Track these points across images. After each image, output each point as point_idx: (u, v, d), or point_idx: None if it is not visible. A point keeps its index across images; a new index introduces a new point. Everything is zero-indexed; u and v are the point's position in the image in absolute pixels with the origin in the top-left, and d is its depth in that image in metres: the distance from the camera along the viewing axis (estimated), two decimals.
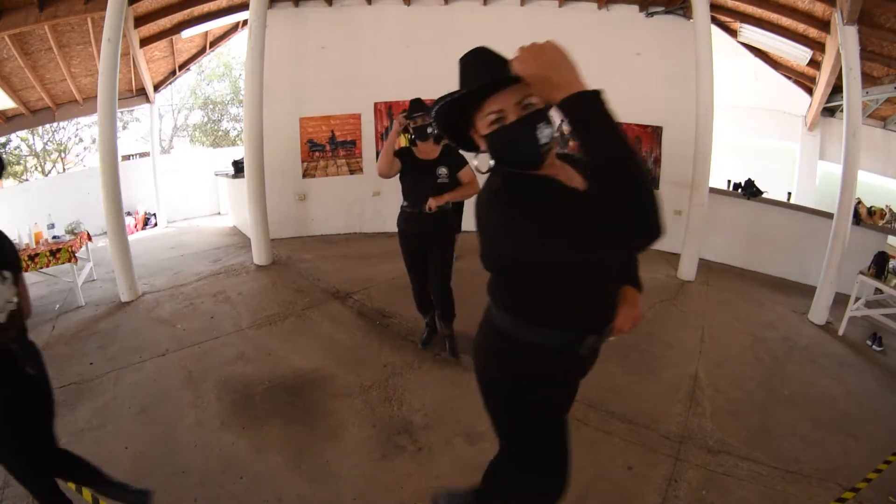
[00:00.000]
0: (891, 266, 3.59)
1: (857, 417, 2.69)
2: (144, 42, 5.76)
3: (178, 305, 3.96)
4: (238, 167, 5.93)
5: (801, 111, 6.54)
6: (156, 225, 7.33)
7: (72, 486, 2.03)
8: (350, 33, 5.51)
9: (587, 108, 0.89)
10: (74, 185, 6.95)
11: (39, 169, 11.78)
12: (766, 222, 4.95)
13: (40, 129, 11.22)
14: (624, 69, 5.24)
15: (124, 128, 12.42)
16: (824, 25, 4.47)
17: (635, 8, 5.14)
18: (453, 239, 3.01)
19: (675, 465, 2.26)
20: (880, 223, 4.41)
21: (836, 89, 5.21)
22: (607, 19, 5.26)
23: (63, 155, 12.08)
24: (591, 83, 0.92)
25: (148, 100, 6.91)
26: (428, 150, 2.83)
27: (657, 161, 5.26)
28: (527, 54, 0.96)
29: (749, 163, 7.53)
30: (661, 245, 5.40)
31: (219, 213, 8.14)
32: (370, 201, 5.77)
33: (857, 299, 3.75)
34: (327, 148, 5.70)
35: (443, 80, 1.37)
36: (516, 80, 0.99)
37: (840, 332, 3.69)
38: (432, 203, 2.72)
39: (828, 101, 5.67)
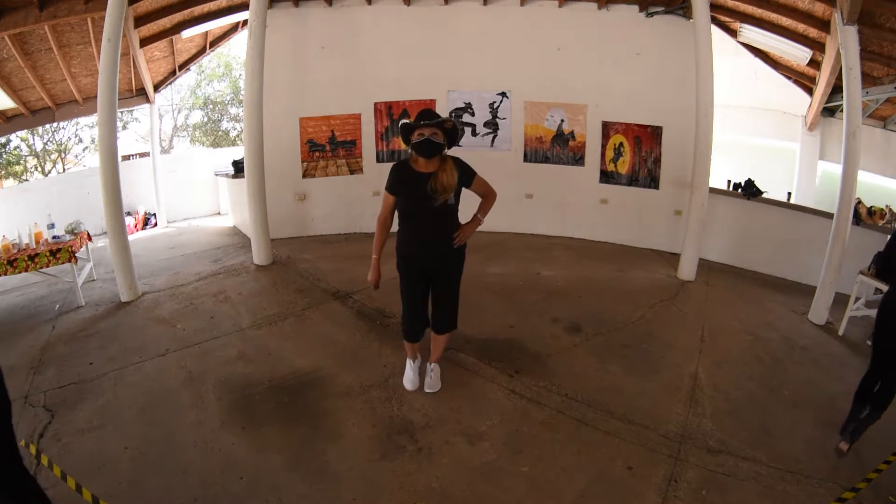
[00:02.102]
0: None
1: None
2: (144, 42, 5.76)
3: (178, 305, 3.96)
4: (238, 167, 5.93)
5: (801, 111, 6.54)
6: (156, 225, 7.33)
7: (71, 484, 2.03)
8: (350, 33, 5.51)
9: None
10: (74, 185, 6.95)
11: (39, 169, 11.77)
12: (767, 222, 4.95)
13: (40, 129, 11.22)
14: (624, 69, 5.24)
15: (124, 128, 12.41)
16: (824, 25, 4.47)
17: (635, 8, 5.14)
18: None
19: (675, 465, 2.26)
20: (880, 223, 4.42)
21: (836, 89, 5.21)
22: (607, 19, 5.25)
23: (63, 155, 12.08)
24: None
25: (148, 100, 6.91)
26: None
27: (657, 161, 5.26)
28: None
29: (749, 163, 7.54)
30: (661, 245, 5.41)
31: (219, 213, 8.14)
32: (370, 201, 5.76)
33: (857, 299, 3.74)
34: (327, 148, 5.69)
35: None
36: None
37: (840, 332, 3.69)
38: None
39: (828, 101, 5.67)
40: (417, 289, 2.55)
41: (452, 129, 2.35)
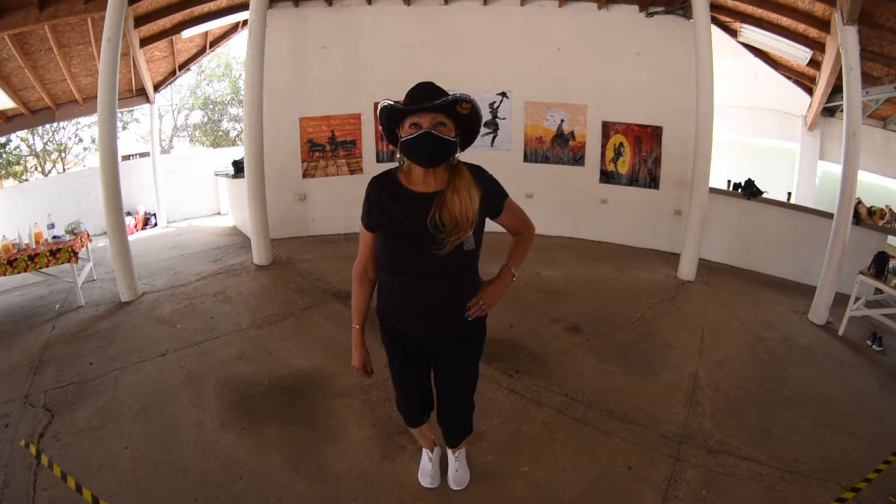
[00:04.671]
0: (891, 266, 3.59)
1: (857, 417, 2.69)
2: (144, 42, 5.76)
3: (178, 305, 3.96)
4: (238, 167, 5.93)
5: (801, 111, 6.55)
6: (156, 225, 7.33)
7: (71, 484, 2.03)
8: (350, 33, 5.51)
9: None
10: (74, 185, 6.95)
11: (39, 169, 11.77)
12: (767, 222, 4.95)
13: (40, 129, 11.22)
14: (624, 69, 5.24)
15: (124, 128, 12.42)
16: (824, 25, 4.47)
17: (635, 8, 5.14)
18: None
19: (675, 465, 2.26)
20: (880, 223, 4.41)
21: (836, 89, 5.21)
22: (607, 19, 5.25)
23: (63, 155, 12.08)
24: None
25: (148, 100, 6.91)
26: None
27: (657, 161, 5.26)
28: None
29: (749, 163, 7.54)
30: (661, 245, 5.41)
31: (219, 213, 8.14)
32: None
33: (857, 299, 3.74)
34: (327, 148, 5.70)
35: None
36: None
37: (840, 332, 3.69)
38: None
39: (828, 101, 5.67)
40: (414, 370, 1.77)
41: (471, 114, 1.38)
